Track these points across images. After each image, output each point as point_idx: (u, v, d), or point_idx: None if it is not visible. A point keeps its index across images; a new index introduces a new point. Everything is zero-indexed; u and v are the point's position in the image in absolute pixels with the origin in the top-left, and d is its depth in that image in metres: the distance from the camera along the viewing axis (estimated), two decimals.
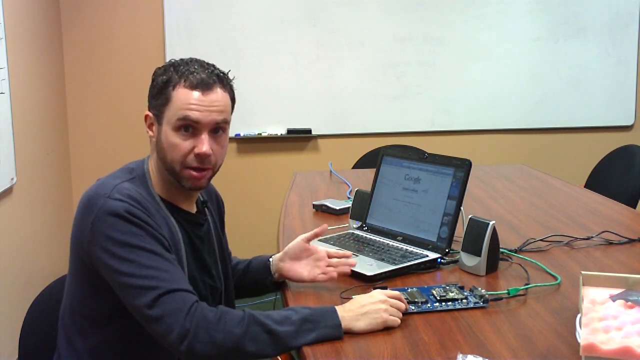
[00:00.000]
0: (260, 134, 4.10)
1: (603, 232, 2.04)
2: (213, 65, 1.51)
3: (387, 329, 1.39)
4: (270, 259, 1.71)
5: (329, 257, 1.65)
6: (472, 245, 1.74)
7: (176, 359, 1.43)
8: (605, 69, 4.29)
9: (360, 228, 2.04)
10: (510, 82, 4.25)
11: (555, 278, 1.67)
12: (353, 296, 1.49)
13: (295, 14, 4.04)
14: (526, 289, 1.59)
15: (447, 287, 1.58)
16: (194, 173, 1.46)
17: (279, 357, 1.43)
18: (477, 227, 1.75)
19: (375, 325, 1.38)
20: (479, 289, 1.55)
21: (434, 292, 1.56)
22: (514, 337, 1.36)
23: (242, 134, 4.05)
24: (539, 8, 4.21)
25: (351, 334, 1.37)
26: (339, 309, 1.40)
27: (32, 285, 2.97)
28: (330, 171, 3.14)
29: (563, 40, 4.25)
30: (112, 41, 3.99)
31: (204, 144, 1.44)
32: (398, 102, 4.18)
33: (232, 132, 3.30)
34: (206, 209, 1.64)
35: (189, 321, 1.31)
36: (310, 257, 1.66)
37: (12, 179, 2.99)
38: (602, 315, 1.26)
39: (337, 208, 2.37)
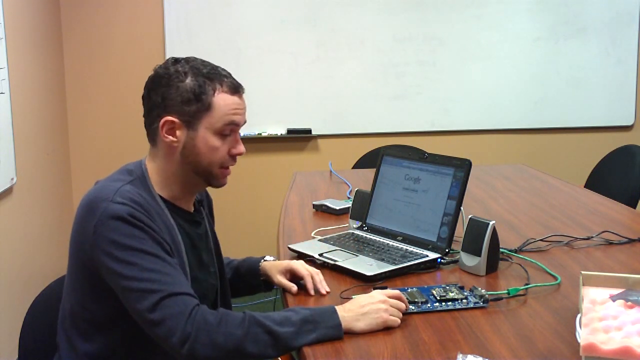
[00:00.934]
0: (260, 134, 4.10)
1: (603, 232, 2.04)
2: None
3: (387, 329, 1.39)
4: (260, 264, 1.74)
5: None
6: (472, 245, 1.74)
7: None
8: (605, 69, 4.29)
9: (360, 228, 2.04)
10: (510, 82, 4.25)
11: (555, 278, 1.67)
12: (353, 296, 1.49)
13: (295, 14, 4.04)
14: (526, 289, 1.58)
15: (447, 287, 1.58)
16: (227, 172, 1.56)
17: (279, 358, 1.43)
18: (477, 227, 1.75)
19: (375, 325, 1.38)
20: (479, 289, 1.55)
21: (434, 292, 1.56)
22: (514, 337, 1.36)
23: (242, 134, 4.04)
24: (539, 8, 4.21)
25: (351, 334, 1.37)
26: (339, 309, 1.40)
27: (32, 285, 2.97)
28: (330, 171, 3.14)
29: (563, 40, 4.25)
30: (112, 41, 3.99)
31: (242, 145, 1.56)
32: (398, 102, 4.18)
33: None
34: (201, 207, 1.66)
35: (190, 324, 1.32)
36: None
37: (12, 179, 2.99)
38: (602, 315, 1.26)
39: (337, 208, 2.37)
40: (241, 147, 1.55)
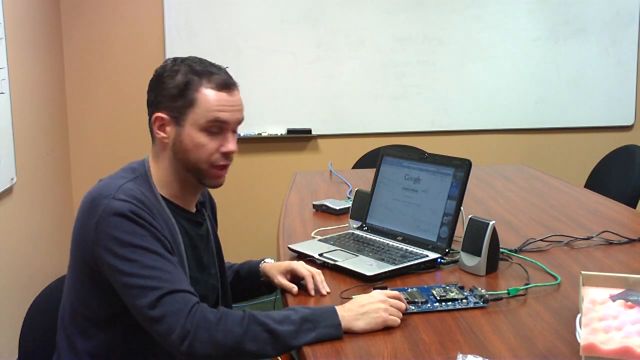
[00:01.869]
0: (260, 134, 4.10)
1: (603, 232, 2.04)
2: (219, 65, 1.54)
3: (387, 329, 1.39)
4: (260, 266, 1.74)
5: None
6: (472, 245, 1.74)
7: None
8: (605, 69, 4.29)
9: (360, 228, 2.04)
10: (510, 82, 4.25)
11: (555, 278, 1.67)
12: (353, 296, 1.49)
13: (295, 14, 4.04)
14: (526, 289, 1.59)
15: (447, 287, 1.58)
16: (219, 171, 1.51)
17: (279, 357, 1.43)
18: (477, 227, 1.75)
19: (375, 325, 1.38)
20: (479, 289, 1.55)
21: (434, 292, 1.56)
22: (514, 337, 1.36)
23: (242, 134, 4.05)
24: (539, 8, 4.21)
25: (351, 333, 1.37)
26: (339, 309, 1.40)
27: (32, 285, 2.97)
28: (330, 171, 3.14)
29: (563, 40, 4.25)
30: (112, 41, 3.99)
31: (233, 143, 1.50)
32: (398, 102, 4.18)
33: None
34: (203, 209, 1.65)
35: (190, 322, 1.32)
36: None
37: (12, 179, 2.99)
38: (602, 315, 1.26)
39: (337, 208, 2.37)
40: (230, 145, 1.49)
